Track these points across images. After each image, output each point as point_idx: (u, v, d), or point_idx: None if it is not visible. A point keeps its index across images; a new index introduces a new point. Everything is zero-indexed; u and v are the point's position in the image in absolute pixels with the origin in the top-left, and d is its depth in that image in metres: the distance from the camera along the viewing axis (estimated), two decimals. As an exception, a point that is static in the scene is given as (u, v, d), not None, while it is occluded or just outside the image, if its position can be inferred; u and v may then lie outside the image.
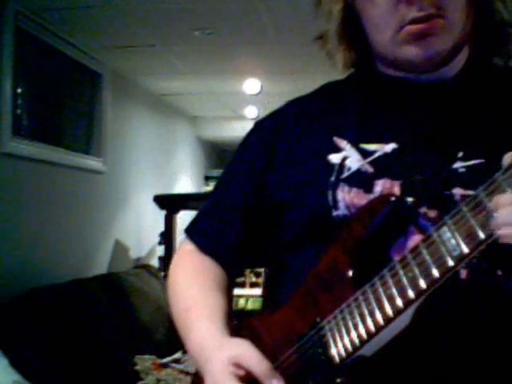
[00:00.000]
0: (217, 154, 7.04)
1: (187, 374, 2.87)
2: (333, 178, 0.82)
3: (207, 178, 6.19)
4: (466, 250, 0.60)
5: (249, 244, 0.96)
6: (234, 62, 3.69)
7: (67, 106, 3.31)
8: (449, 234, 0.62)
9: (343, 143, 0.84)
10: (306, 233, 0.85)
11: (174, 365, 2.95)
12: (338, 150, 0.84)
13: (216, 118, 5.79)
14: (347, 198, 0.80)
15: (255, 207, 0.93)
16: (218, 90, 4.55)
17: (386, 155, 0.80)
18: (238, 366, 0.76)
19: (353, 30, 0.85)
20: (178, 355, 3.05)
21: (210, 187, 6.03)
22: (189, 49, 3.37)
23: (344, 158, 0.83)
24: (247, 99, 4.73)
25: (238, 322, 0.91)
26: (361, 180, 0.80)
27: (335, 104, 0.90)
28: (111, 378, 2.60)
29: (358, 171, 0.81)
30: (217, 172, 6.26)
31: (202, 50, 3.39)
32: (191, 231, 1.01)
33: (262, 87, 4.20)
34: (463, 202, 0.62)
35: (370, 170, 0.80)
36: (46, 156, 2.95)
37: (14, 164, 2.68)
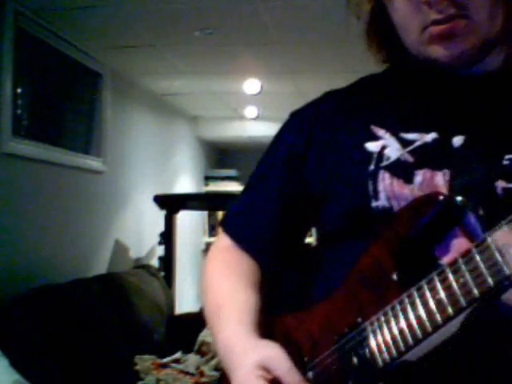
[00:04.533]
0: (217, 154, 7.03)
1: (187, 373, 2.87)
2: (372, 167, 0.80)
3: (207, 178, 6.16)
4: None
5: (285, 238, 0.94)
6: (234, 61, 3.69)
7: (67, 106, 3.31)
8: None
9: (381, 132, 0.82)
10: (344, 224, 0.82)
11: (173, 365, 2.95)
12: (375, 138, 0.82)
13: (216, 118, 5.78)
14: (388, 187, 0.78)
15: (292, 199, 0.91)
16: (218, 90, 4.55)
17: (426, 145, 0.78)
18: (265, 370, 0.75)
19: (384, 29, 0.84)
20: (177, 355, 3.05)
21: (209, 187, 6.02)
22: (189, 49, 3.37)
23: (383, 147, 0.80)
24: (247, 99, 4.73)
25: (270, 319, 0.88)
26: (401, 170, 0.78)
27: (373, 95, 0.89)
28: (111, 378, 2.60)
29: (398, 160, 0.79)
30: (217, 172, 6.25)
31: (202, 50, 3.39)
32: (226, 225, 0.98)
33: (261, 87, 4.20)
34: None
35: (410, 159, 0.78)
36: (46, 156, 2.94)
37: (14, 164, 2.67)
